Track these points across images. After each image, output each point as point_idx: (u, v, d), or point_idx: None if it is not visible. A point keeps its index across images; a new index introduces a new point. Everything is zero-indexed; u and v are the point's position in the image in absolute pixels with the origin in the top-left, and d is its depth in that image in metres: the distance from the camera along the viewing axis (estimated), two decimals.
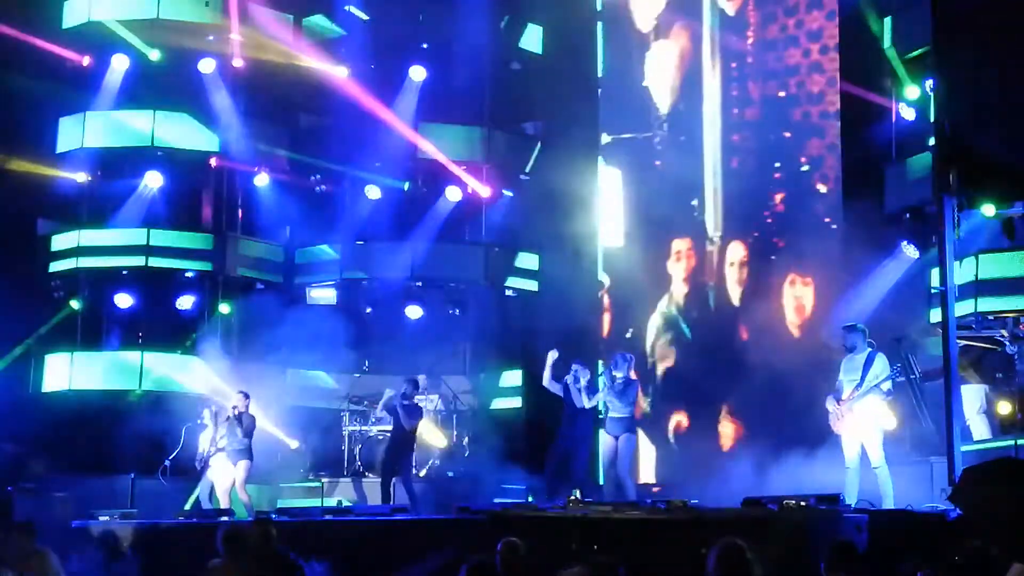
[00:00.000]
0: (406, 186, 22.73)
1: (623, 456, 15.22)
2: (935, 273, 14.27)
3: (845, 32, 18.64)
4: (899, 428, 15.31)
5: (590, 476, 17.16)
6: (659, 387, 20.02)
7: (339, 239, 22.18)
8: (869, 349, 13.89)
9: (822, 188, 18.78)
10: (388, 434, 19.43)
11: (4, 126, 20.54)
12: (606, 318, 21.03)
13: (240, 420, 16.81)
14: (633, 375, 15.93)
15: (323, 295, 22.57)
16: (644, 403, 19.16)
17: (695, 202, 20.08)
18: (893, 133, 17.67)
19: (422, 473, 20.02)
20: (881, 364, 13.80)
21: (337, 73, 22.15)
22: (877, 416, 13.79)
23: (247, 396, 17.14)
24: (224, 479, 17.12)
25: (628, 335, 20.40)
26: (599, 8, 21.97)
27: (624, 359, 15.69)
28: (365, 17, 22.16)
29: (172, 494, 18.84)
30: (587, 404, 15.75)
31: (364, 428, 20.66)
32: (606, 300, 21.12)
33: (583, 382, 15.88)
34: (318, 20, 22.55)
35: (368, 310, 22.26)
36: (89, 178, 21.96)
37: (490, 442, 20.44)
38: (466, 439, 21.22)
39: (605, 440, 15.46)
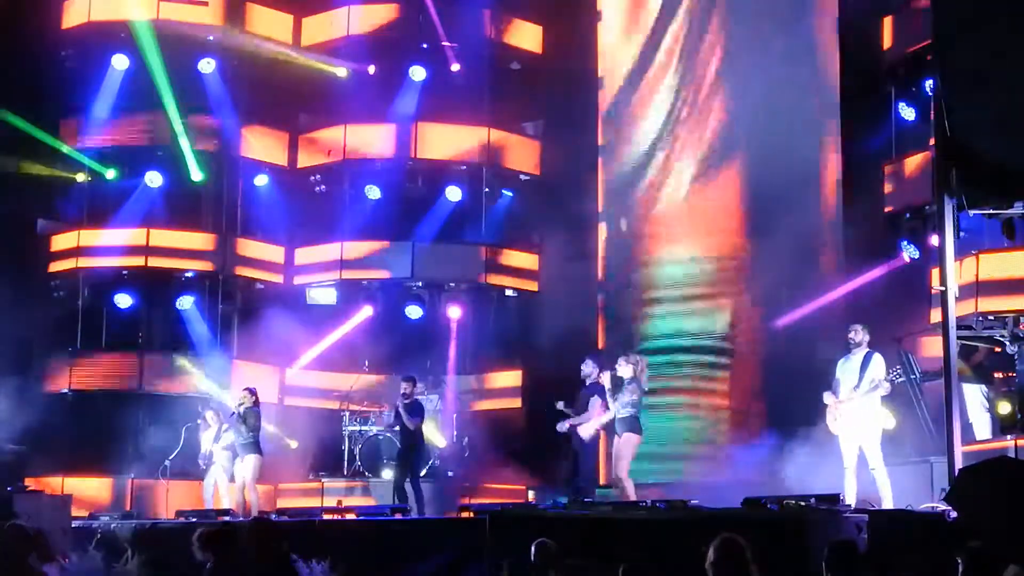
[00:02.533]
0: (406, 186, 22.74)
1: (620, 456, 15.18)
2: (935, 273, 14.26)
3: (845, 32, 18.65)
4: (898, 428, 15.30)
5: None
6: None
7: (339, 239, 22.18)
8: (868, 349, 13.88)
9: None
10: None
11: (4, 126, 20.53)
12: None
13: (244, 417, 16.80)
14: (629, 373, 15.66)
15: (323, 295, 22.59)
16: None
17: None
18: (893, 133, 17.67)
19: (422, 473, 19.97)
20: (879, 365, 13.78)
21: (337, 73, 22.20)
22: (875, 417, 13.77)
23: (252, 392, 17.11)
24: (236, 475, 17.07)
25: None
26: (599, 8, 21.98)
27: (626, 359, 15.62)
28: None
29: (172, 494, 18.87)
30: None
31: (364, 428, 20.65)
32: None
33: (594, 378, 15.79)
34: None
35: (368, 310, 22.26)
36: (89, 178, 21.96)
37: (490, 442, 20.47)
38: (466, 439, 21.21)
39: (615, 440, 15.41)
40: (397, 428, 17.62)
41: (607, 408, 15.18)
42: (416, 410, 17.17)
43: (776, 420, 17.43)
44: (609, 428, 15.57)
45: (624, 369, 15.17)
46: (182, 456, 18.99)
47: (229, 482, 17.65)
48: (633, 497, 14.56)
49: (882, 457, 13.57)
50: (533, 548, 10.06)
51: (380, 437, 20.23)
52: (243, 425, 16.74)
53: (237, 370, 21.07)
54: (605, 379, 15.30)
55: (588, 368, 15.96)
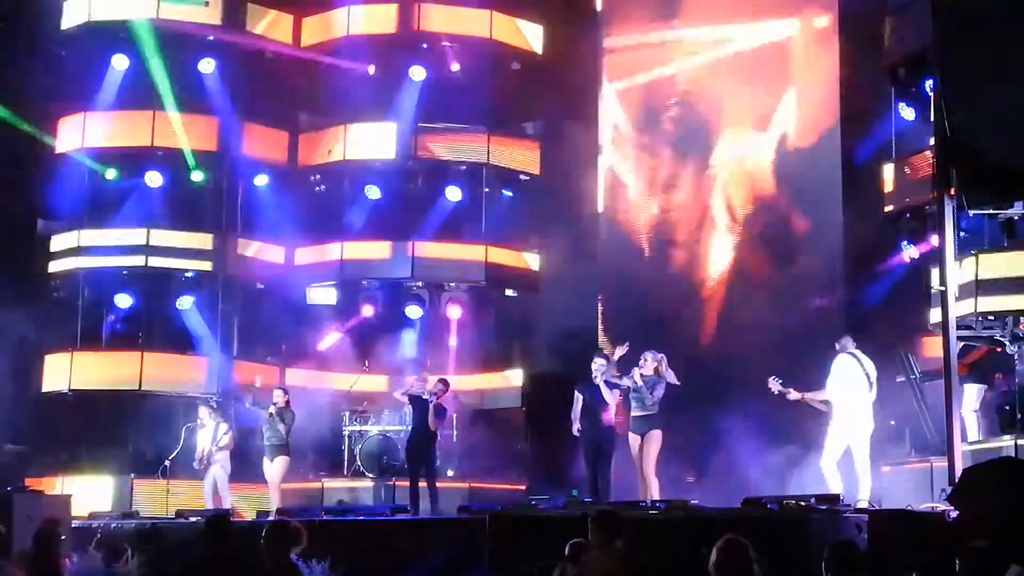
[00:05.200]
0: (406, 186, 22.73)
1: (648, 454, 15.13)
2: (935, 273, 14.27)
3: (845, 32, 18.65)
4: (898, 428, 15.32)
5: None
6: None
7: (339, 239, 22.17)
8: (855, 349, 13.94)
9: None
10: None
11: (4, 126, 20.52)
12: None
13: (282, 416, 16.82)
14: (652, 371, 15.53)
15: (323, 295, 22.58)
16: None
17: None
18: (893, 133, 17.68)
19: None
20: (856, 365, 13.81)
21: (337, 73, 22.21)
22: (860, 416, 13.78)
23: (287, 392, 17.17)
24: (271, 473, 17.07)
25: None
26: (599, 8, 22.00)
27: (655, 356, 15.54)
28: None
29: (172, 494, 18.86)
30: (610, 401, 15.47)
31: (364, 428, 20.64)
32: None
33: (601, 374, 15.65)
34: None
35: (368, 310, 22.25)
36: (89, 178, 21.92)
37: (490, 442, 20.45)
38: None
39: (632, 439, 15.33)
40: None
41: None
42: (441, 412, 17.03)
43: None
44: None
45: (649, 366, 15.13)
46: (182, 456, 18.98)
47: (228, 482, 17.66)
48: (657, 495, 14.51)
49: (868, 456, 13.60)
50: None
51: (380, 436, 20.20)
52: (280, 424, 16.80)
53: (237, 370, 21.07)
54: (636, 375, 15.24)
55: (598, 365, 15.76)
